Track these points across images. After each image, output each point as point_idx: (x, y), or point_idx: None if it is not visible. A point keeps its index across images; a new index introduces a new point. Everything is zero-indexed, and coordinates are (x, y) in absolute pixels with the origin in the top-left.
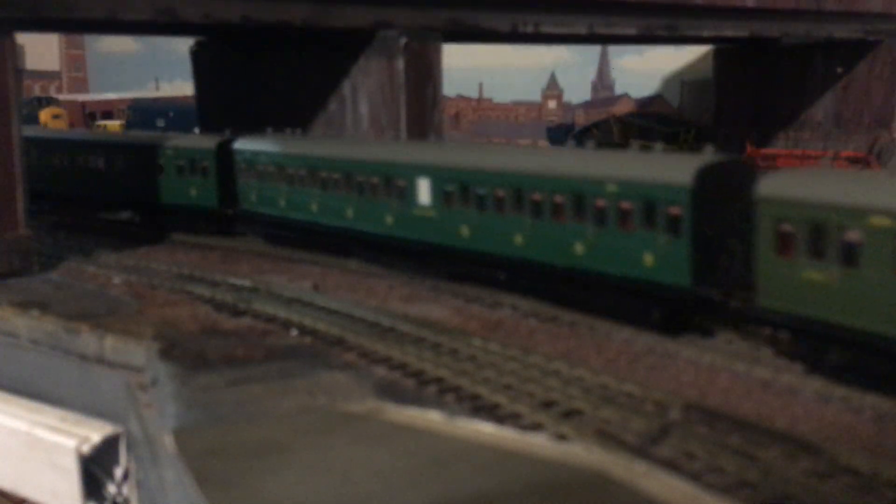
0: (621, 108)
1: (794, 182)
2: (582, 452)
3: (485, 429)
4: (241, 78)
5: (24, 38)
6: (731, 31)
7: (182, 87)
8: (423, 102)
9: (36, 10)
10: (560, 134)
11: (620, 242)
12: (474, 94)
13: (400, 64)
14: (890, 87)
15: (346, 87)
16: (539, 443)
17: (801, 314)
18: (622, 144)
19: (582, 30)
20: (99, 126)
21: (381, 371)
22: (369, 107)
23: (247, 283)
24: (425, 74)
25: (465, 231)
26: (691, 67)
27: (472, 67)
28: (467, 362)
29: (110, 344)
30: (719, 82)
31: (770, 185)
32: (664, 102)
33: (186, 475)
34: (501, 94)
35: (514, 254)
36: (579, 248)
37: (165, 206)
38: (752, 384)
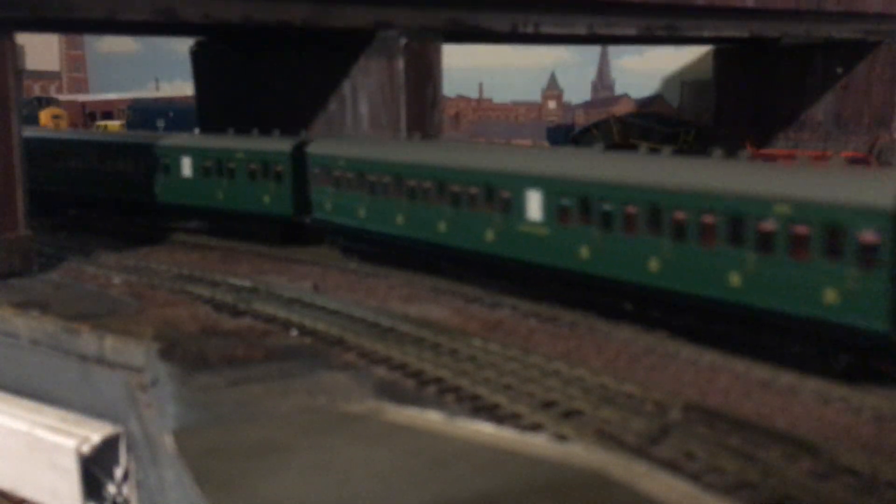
0: (621, 109)
1: None
2: (582, 452)
3: (485, 429)
4: (241, 78)
5: (24, 38)
6: (730, 31)
7: (182, 87)
8: (423, 102)
9: (36, 10)
10: (560, 134)
11: (792, 274)
12: (474, 94)
13: (400, 64)
14: (890, 87)
15: (346, 87)
16: (539, 443)
17: None
18: (622, 145)
19: (582, 30)
20: (99, 126)
21: (380, 371)
22: (369, 107)
23: (247, 283)
24: (425, 74)
25: (584, 253)
26: (691, 68)
27: (472, 67)
28: (467, 362)
29: (110, 344)
30: (719, 82)
31: None
32: (664, 103)
33: (186, 475)
34: (501, 94)
35: (647, 281)
36: (734, 279)
37: (236, 214)
38: (752, 384)
